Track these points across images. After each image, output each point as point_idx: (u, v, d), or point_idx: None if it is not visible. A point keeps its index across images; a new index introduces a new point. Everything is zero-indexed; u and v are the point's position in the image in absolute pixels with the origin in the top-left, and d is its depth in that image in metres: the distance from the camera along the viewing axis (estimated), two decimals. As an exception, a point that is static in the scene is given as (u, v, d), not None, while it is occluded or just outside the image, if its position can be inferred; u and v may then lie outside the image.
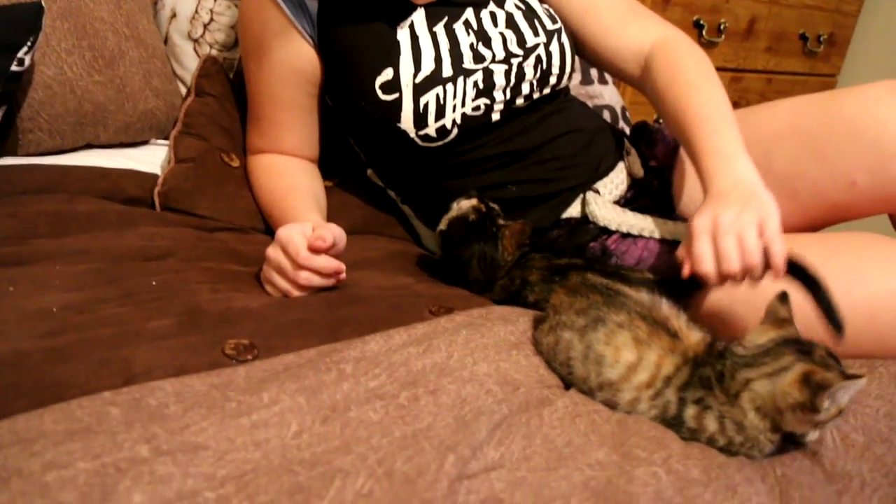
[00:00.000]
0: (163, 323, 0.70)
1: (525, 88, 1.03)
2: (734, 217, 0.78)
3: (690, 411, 0.64)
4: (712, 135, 0.90)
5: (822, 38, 2.07)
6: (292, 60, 1.03)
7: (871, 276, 0.85)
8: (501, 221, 0.97)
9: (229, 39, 1.24)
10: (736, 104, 1.81)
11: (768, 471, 0.62)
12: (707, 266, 0.77)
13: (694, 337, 0.69)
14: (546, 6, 1.09)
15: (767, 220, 0.78)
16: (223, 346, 0.69)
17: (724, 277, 0.78)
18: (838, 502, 0.59)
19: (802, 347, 0.64)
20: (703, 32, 1.81)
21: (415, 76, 0.96)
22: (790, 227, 1.01)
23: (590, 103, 1.44)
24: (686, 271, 0.80)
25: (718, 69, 1.94)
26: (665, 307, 0.72)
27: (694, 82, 0.98)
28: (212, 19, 1.23)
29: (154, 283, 0.79)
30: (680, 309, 0.73)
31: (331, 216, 1.06)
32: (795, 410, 0.61)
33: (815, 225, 1.00)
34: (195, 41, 1.24)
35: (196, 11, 1.23)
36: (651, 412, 0.67)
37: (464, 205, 0.98)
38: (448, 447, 0.56)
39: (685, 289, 0.82)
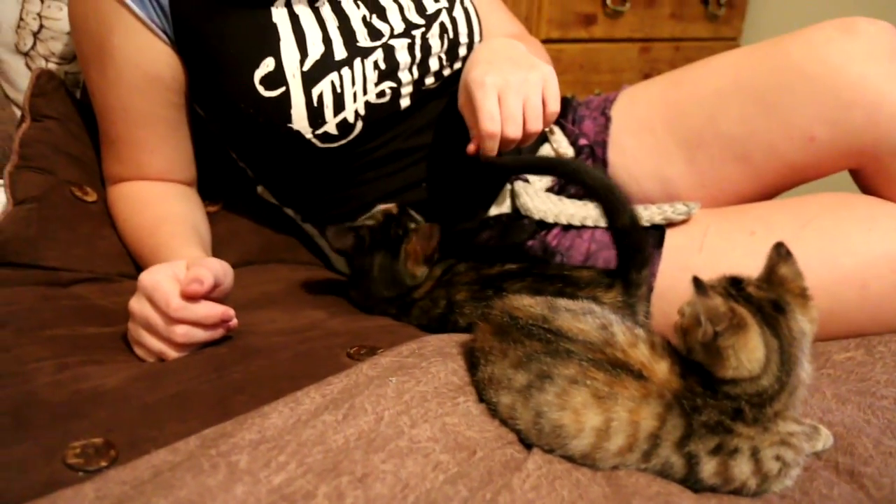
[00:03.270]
0: (-29, 435, 0.50)
1: (434, 64, 0.88)
2: (522, 79, 0.76)
3: (710, 467, 0.50)
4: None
5: (721, 1, 2.03)
6: (144, 64, 0.83)
7: (855, 241, 0.74)
8: (413, 225, 0.82)
9: (68, 49, 1.02)
10: (647, 76, 1.70)
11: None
12: (495, 125, 0.74)
13: (661, 370, 0.53)
14: None
15: (550, 83, 0.78)
16: (65, 452, 0.50)
17: (503, 142, 0.76)
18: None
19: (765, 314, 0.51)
20: (608, 2, 1.71)
21: (302, 63, 0.80)
22: (745, 195, 0.89)
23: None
24: (472, 148, 0.77)
25: (626, 40, 1.87)
26: (620, 335, 0.55)
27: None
28: (42, 26, 1.01)
29: (-31, 372, 0.59)
30: (635, 323, 0.58)
31: (218, 248, 0.88)
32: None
33: (772, 190, 0.89)
34: (26, 55, 1.02)
35: (21, 19, 1.01)
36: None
37: (376, 210, 0.84)
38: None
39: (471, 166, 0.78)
